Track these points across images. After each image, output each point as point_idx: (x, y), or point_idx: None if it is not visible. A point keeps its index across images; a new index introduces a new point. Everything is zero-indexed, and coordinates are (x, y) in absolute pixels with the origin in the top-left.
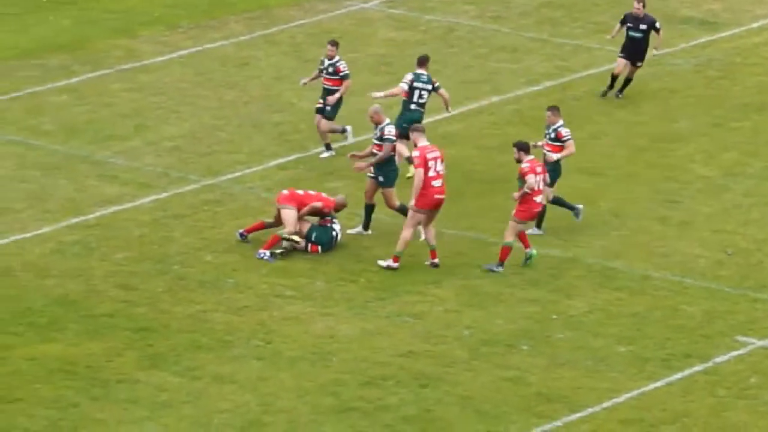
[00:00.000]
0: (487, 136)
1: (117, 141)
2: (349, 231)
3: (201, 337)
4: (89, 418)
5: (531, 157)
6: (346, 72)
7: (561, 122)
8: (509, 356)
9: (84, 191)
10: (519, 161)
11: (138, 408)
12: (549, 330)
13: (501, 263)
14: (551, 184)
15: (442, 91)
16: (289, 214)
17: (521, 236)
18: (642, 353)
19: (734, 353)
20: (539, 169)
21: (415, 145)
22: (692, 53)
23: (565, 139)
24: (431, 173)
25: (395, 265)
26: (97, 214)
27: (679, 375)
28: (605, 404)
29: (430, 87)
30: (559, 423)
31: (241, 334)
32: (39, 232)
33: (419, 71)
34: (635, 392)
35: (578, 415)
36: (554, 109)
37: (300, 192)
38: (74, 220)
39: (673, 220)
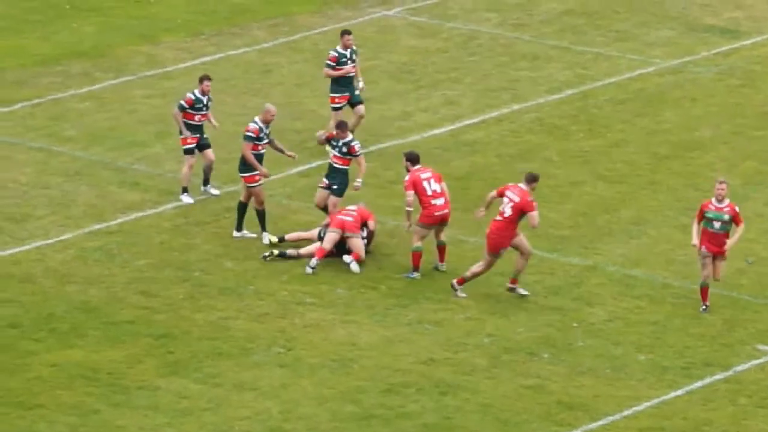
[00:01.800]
0: (508, 144)
1: (139, 147)
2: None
3: (222, 344)
4: (110, 424)
5: (417, 166)
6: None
7: (350, 137)
8: (530, 364)
9: (106, 198)
10: (407, 170)
11: (158, 415)
12: (569, 338)
13: (416, 269)
14: (340, 193)
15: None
16: (360, 243)
17: (417, 255)
18: (662, 361)
19: (755, 362)
20: (425, 175)
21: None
22: (714, 61)
23: (357, 153)
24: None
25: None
26: (119, 220)
27: (699, 383)
28: (625, 412)
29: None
30: (579, 431)
31: (261, 342)
32: (61, 238)
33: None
34: (655, 401)
35: (598, 423)
36: (342, 124)
37: (355, 213)
38: (96, 227)
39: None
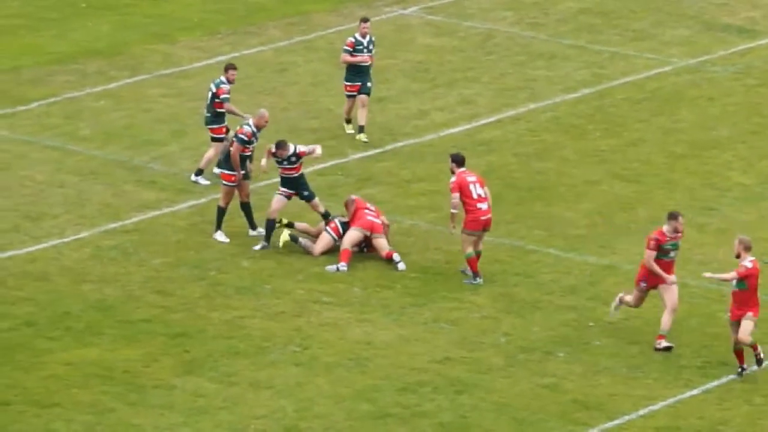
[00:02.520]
0: (525, 143)
1: (154, 146)
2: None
3: (238, 343)
4: (125, 423)
5: (463, 168)
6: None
7: (291, 148)
8: (546, 363)
9: (121, 196)
10: (452, 172)
11: (174, 413)
12: (586, 337)
13: (475, 274)
14: (313, 195)
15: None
16: (386, 242)
17: (471, 261)
18: (678, 361)
19: None
20: (471, 178)
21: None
22: (731, 60)
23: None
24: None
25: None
26: (135, 219)
27: (715, 383)
28: (641, 411)
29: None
30: (595, 430)
31: (277, 340)
32: (77, 237)
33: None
34: (671, 400)
35: (614, 422)
36: (281, 144)
37: (374, 213)
38: (112, 226)
39: (711, 227)
